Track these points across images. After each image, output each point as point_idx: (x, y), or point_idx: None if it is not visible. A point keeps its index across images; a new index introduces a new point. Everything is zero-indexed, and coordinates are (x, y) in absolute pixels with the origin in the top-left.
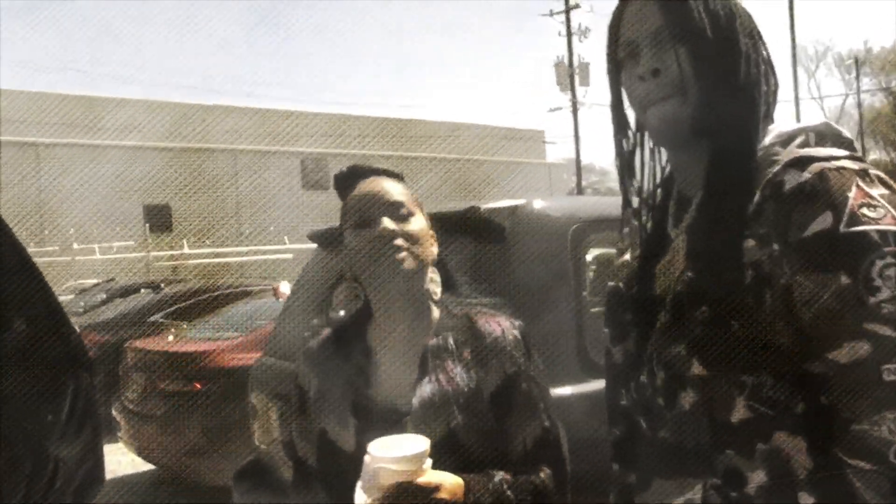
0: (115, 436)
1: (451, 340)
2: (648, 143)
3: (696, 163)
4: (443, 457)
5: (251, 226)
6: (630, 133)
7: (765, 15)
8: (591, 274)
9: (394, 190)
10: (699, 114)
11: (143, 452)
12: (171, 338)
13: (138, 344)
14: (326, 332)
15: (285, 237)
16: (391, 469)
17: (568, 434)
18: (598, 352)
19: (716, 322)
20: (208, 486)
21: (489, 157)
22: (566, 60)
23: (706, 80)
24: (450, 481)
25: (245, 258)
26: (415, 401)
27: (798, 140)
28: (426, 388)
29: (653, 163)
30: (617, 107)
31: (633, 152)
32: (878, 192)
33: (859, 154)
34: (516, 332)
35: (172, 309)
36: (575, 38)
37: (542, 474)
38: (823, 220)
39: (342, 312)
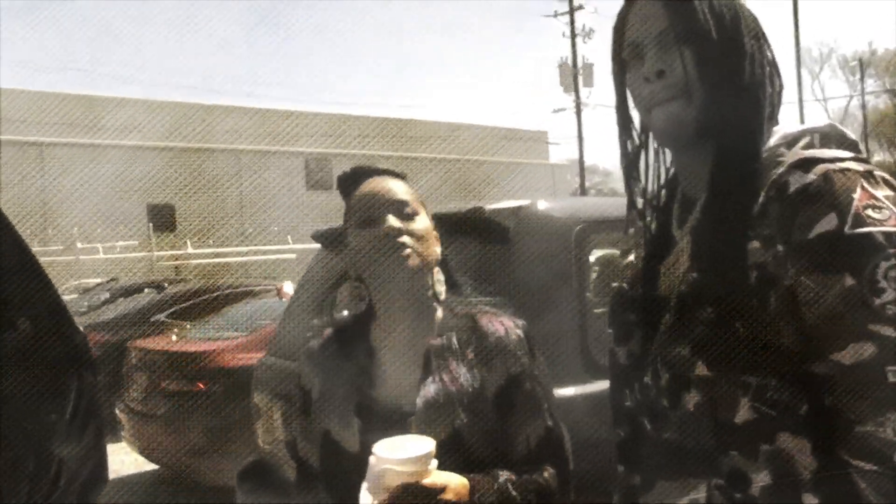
0: (119, 435)
1: (454, 340)
2: (653, 144)
3: (701, 164)
4: (447, 457)
5: (254, 226)
6: (635, 134)
7: (768, 16)
8: (593, 275)
9: (398, 189)
10: (704, 115)
11: (145, 452)
12: (174, 337)
13: (141, 343)
14: (328, 332)
15: (288, 237)
16: (397, 470)
17: (571, 434)
18: (600, 352)
19: (720, 323)
20: (211, 485)
21: (492, 157)
22: (570, 61)
23: (711, 82)
24: (455, 482)
25: (248, 258)
26: (419, 401)
27: (803, 141)
28: (430, 388)
29: (657, 164)
30: (622, 108)
31: (637, 153)
32: (883, 193)
33: (864, 155)
34: (520, 332)
35: (175, 309)
36: (579, 39)
37: (545, 473)
38: (828, 222)
39: (345, 312)
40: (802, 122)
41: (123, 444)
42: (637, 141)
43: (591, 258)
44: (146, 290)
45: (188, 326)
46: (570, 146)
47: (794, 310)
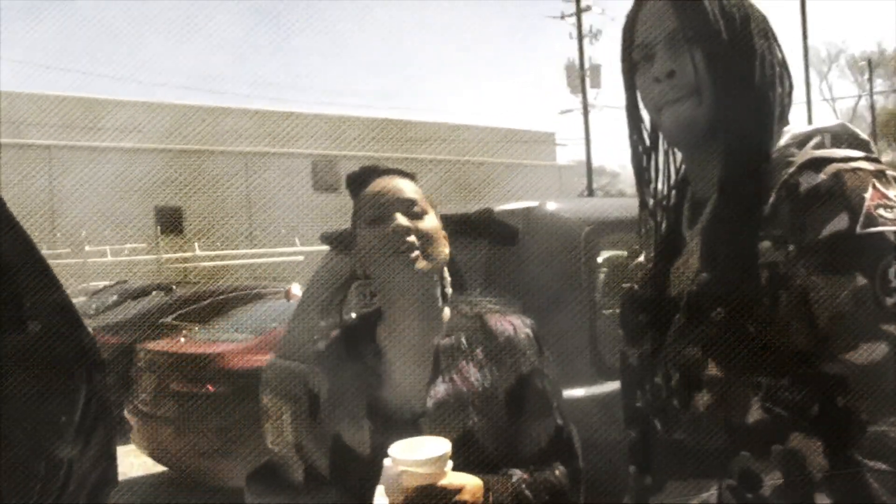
0: (128, 438)
1: (463, 340)
2: (663, 145)
3: (711, 164)
4: (458, 456)
5: (262, 227)
6: (645, 135)
7: (777, 17)
8: (602, 276)
9: (407, 188)
10: (714, 115)
11: (154, 454)
12: (182, 340)
13: (149, 346)
14: (336, 333)
15: (296, 239)
16: (414, 472)
17: (581, 436)
18: (610, 353)
19: (731, 323)
20: (219, 487)
21: (499, 159)
22: (577, 63)
23: (721, 82)
24: (471, 483)
25: (256, 260)
26: (429, 401)
27: (813, 141)
28: (440, 389)
29: (667, 164)
30: (632, 108)
31: (648, 154)
32: (894, 192)
33: (876, 155)
34: (528, 331)
35: (184, 311)
36: (586, 41)
37: (557, 472)
38: (839, 221)
39: (353, 314)
40: (811, 122)
41: (132, 447)
42: (647, 142)
43: (600, 259)
44: (154, 292)
45: (196, 328)
46: (578, 148)
47: (805, 310)
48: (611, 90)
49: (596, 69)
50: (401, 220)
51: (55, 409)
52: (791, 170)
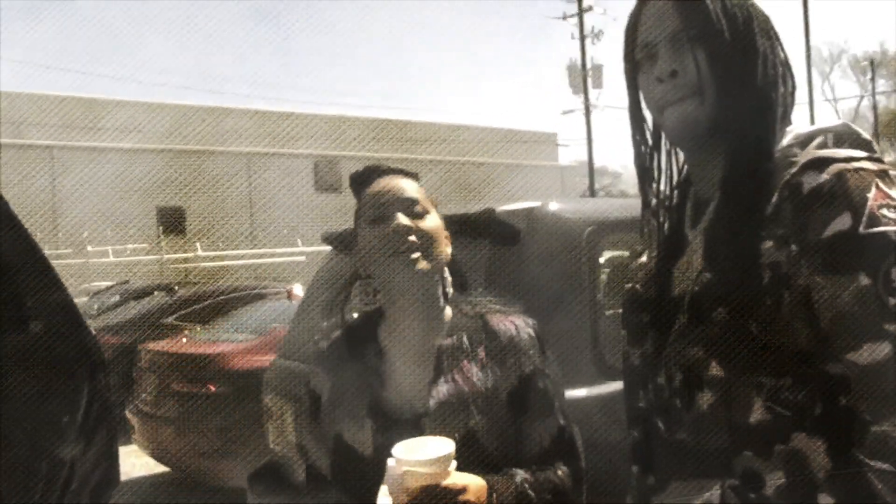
0: (129, 438)
1: (465, 340)
2: (666, 145)
3: (714, 164)
4: (461, 456)
5: (263, 228)
6: (648, 135)
7: (779, 17)
8: (603, 276)
9: (408, 187)
10: (716, 115)
11: (156, 454)
12: (184, 340)
13: (151, 346)
14: (338, 333)
15: (298, 239)
16: (418, 472)
17: (583, 436)
18: (612, 354)
19: (733, 323)
20: (222, 487)
21: (501, 159)
22: (579, 63)
23: (723, 82)
24: (475, 483)
25: (258, 260)
26: (431, 401)
27: (816, 141)
28: (442, 389)
29: (670, 164)
30: (634, 108)
31: (650, 154)
32: None
33: (878, 155)
34: (530, 331)
35: (186, 311)
36: (588, 41)
37: (559, 472)
38: (842, 221)
39: (355, 315)
40: (813, 122)
41: (134, 447)
42: (650, 142)
43: (602, 259)
44: (156, 292)
45: (198, 329)
46: (580, 148)
47: (808, 310)
48: (613, 90)
49: (598, 69)
50: (401, 219)
51: (57, 409)
52: (794, 170)
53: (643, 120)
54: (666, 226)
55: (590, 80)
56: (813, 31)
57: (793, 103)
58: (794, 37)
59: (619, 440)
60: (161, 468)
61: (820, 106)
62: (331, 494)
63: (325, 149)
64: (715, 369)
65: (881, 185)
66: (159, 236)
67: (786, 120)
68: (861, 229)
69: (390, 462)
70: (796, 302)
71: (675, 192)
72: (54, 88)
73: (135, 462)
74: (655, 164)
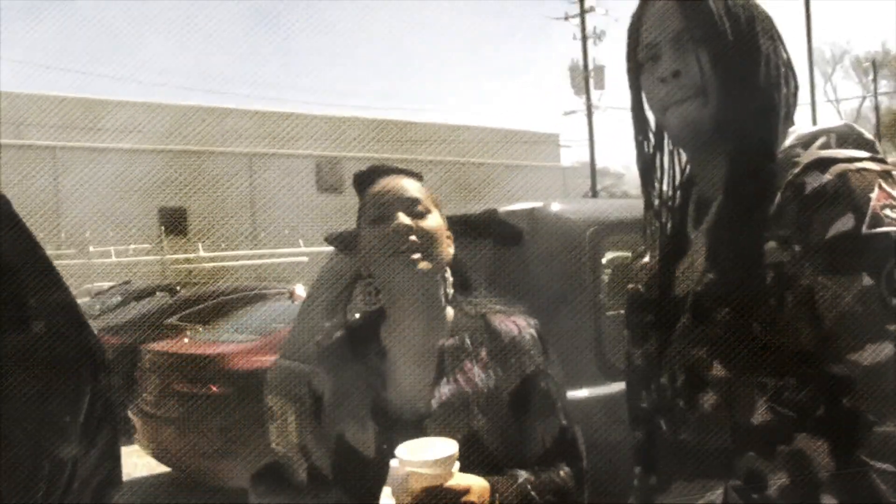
0: (131, 438)
1: (467, 341)
2: (668, 145)
3: (717, 164)
4: (464, 457)
5: (266, 228)
6: (650, 135)
7: (781, 17)
8: (606, 277)
9: (410, 187)
10: (719, 115)
11: (158, 455)
12: (186, 340)
13: (154, 347)
14: (340, 333)
15: (300, 240)
16: (422, 473)
17: (585, 436)
18: (613, 354)
19: (736, 324)
20: (224, 488)
21: (503, 160)
22: (581, 64)
23: (726, 82)
24: (478, 484)
25: (260, 261)
26: (433, 402)
27: (819, 141)
28: (445, 390)
29: (673, 165)
30: (637, 109)
31: (653, 154)
32: None
33: (881, 155)
34: (533, 331)
35: (188, 312)
36: (590, 42)
37: (562, 473)
38: (845, 222)
39: (357, 315)
40: (815, 123)
41: (136, 448)
42: (652, 142)
43: (604, 260)
44: (158, 293)
45: (200, 329)
46: (581, 149)
47: (811, 310)
48: (615, 91)
49: (600, 70)
50: (402, 219)
51: (59, 409)
52: (796, 170)
53: (646, 120)
54: (668, 226)
55: (592, 81)
56: (815, 31)
57: (795, 104)
58: (796, 37)
59: (621, 440)
60: (163, 468)
61: (822, 107)
62: (332, 495)
63: (326, 149)
64: (718, 370)
65: (884, 185)
66: (161, 237)
67: (788, 120)
68: (864, 230)
69: (393, 463)
70: (799, 302)
71: (678, 192)
72: (54, 89)
73: (137, 462)
74: (658, 164)
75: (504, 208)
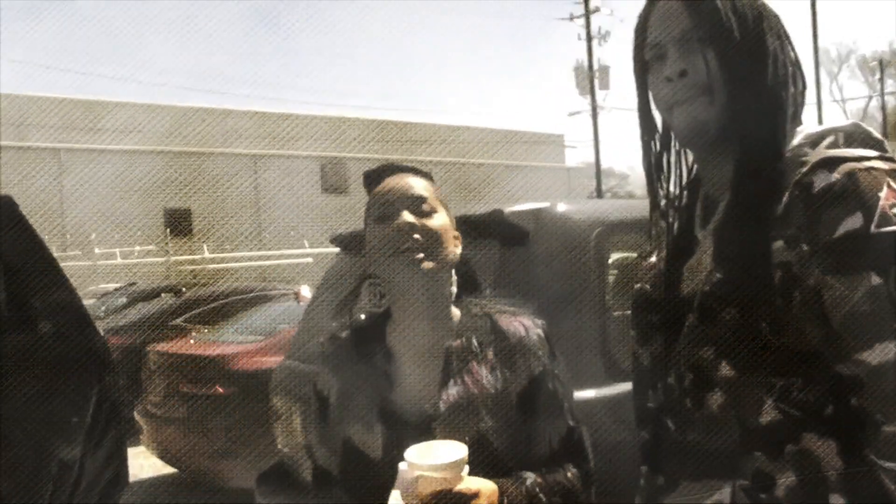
0: (137, 439)
1: (474, 341)
2: (675, 145)
3: (724, 164)
4: (471, 459)
5: (271, 229)
6: (657, 135)
7: (787, 16)
8: (612, 277)
9: (417, 185)
10: (726, 115)
11: (164, 456)
12: (192, 341)
13: (159, 348)
14: (345, 334)
15: (305, 241)
16: (431, 476)
17: (592, 437)
18: (620, 355)
19: (744, 323)
20: (230, 488)
21: (507, 161)
22: (585, 64)
23: (733, 81)
24: (487, 488)
25: (265, 262)
26: (441, 404)
27: (827, 141)
28: (452, 391)
29: (679, 164)
30: (644, 108)
31: (660, 154)
32: None
33: (890, 154)
34: (540, 332)
35: (193, 313)
36: (594, 42)
37: (569, 474)
38: (853, 221)
39: (363, 316)
40: (821, 123)
41: (142, 448)
42: (659, 142)
43: (610, 261)
44: (163, 294)
45: (206, 330)
46: (586, 149)
47: (819, 309)
48: (619, 92)
49: (605, 71)
50: (406, 217)
51: (66, 410)
52: (804, 169)
53: (652, 120)
54: (675, 226)
55: (597, 82)
56: (821, 31)
57: (803, 103)
58: (802, 37)
59: (627, 441)
60: (169, 469)
61: (828, 106)
62: (338, 496)
63: (327, 150)
64: (725, 369)
65: (892, 184)
66: (166, 238)
67: (796, 120)
68: (872, 228)
69: (402, 466)
70: (807, 302)
71: (685, 192)
72: (54, 89)
73: (143, 463)
74: (665, 164)
75: (510, 209)
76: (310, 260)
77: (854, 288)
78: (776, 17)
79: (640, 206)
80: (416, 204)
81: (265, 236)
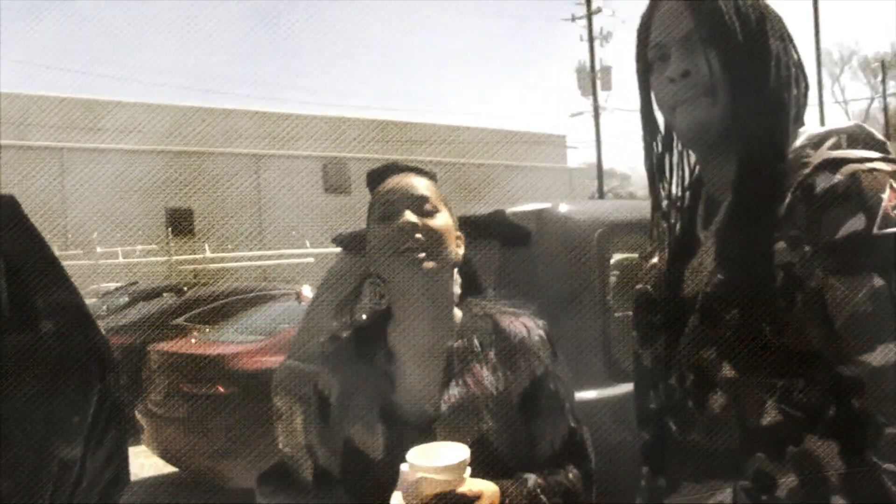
0: (138, 438)
1: (476, 342)
2: (677, 146)
3: (726, 165)
4: (473, 460)
5: (273, 229)
6: (659, 135)
7: (789, 18)
8: (613, 278)
9: (419, 185)
10: (729, 116)
11: (165, 455)
12: (193, 341)
13: (161, 347)
14: (346, 334)
15: (307, 241)
16: (434, 478)
17: (593, 438)
18: (621, 356)
19: (746, 324)
20: (231, 488)
21: (509, 161)
22: (587, 65)
23: (736, 82)
24: (489, 489)
25: (266, 262)
26: (443, 405)
27: (829, 142)
28: (454, 392)
29: (682, 165)
30: (646, 109)
31: (662, 155)
32: None
33: (893, 156)
34: (541, 332)
35: (195, 312)
36: (596, 43)
37: (570, 475)
38: (856, 222)
39: (364, 316)
40: (823, 124)
41: (143, 448)
42: (661, 143)
43: (612, 261)
44: (165, 293)
45: (207, 330)
46: (588, 150)
47: (821, 311)
48: (621, 92)
49: (607, 71)
50: (408, 216)
51: (67, 409)
52: (807, 170)
53: (655, 121)
54: (677, 227)
55: (599, 83)
56: (823, 32)
57: (805, 104)
58: (804, 38)
59: (629, 442)
60: (170, 469)
61: (830, 108)
62: (339, 496)
63: (328, 150)
64: (727, 370)
65: (895, 185)
66: (168, 237)
67: (799, 121)
68: (875, 230)
69: (404, 467)
70: (809, 303)
71: (687, 192)
72: (54, 89)
73: (144, 462)
74: (667, 165)
75: (511, 209)
76: (311, 260)
77: (856, 289)
78: (779, 18)
79: (641, 207)
80: (419, 204)
81: (267, 236)
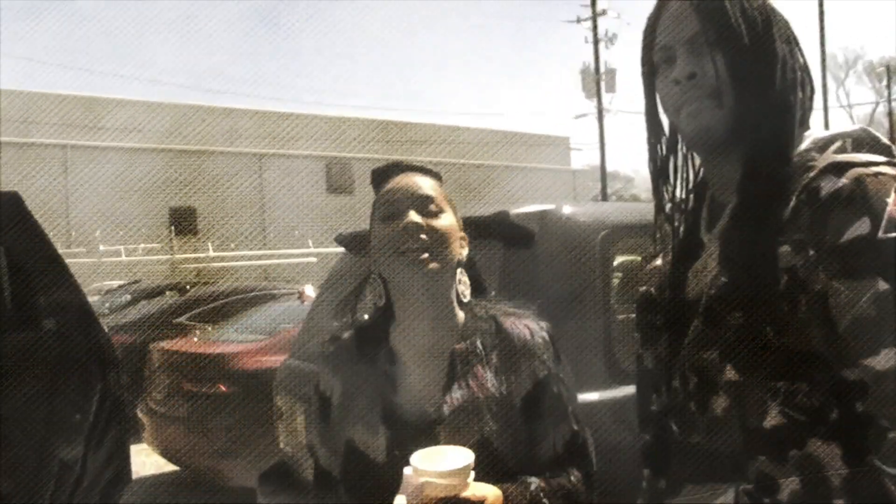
0: (139, 437)
1: (479, 344)
2: (682, 148)
3: (731, 168)
4: (476, 463)
5: (276, 229)
6: (664, 138)
7: (794, 22)
8: (616, 280)
9: (424, 185)
10: (734, 118)
11: (166, 454)
12: (195, 340)
13: (163, 346)
14: (347, 334)
15: (309, 241)
16: (437, 483)
17: (595, 440)
18: (624, 358)
19: (749, 327)
20: (232, 487)
21: (513, 162)
22: (592, 67)
23: (742, 85)
24: (493, 494)
25: (269, 261)
26: (445, 408)
27: (835, 146)
28: (457, 395)
29: (686, 167)
30: (651, 111)
31: (666, 157)
32: None
33: None
34: (544, 334)
35: (197, 311)
36: (601, 45)
37: (572, 478)
38: (861, 226)
39: (366, 316)
40: (827, 128)
41: (144, 446)
42: (666, 145)
43: (615, 264)
44: (167, 292)
45: (210, 329)
46: (592, 152)
47: (825, 314)
48: (626, 95)
49: (611, 73)
50: (412, 217)
51: (69, 407)
52: (812, 174)
53: (659, 123)
54: (681, 229)
55: (603, 85)
56: (828, 36)
57: (811, 108)
58: (809, 42)
59: (630, 444)
60: (171, 467)
61: (835, 112)
62: (340, 497)
63: (329, 150)
64: (730, 373)
65: None
66: (171, 236)
67: (804, 124)
68: (880, 234)
69: (407, 471)
70: (813, 306)
71: (691, 195)
72: (56, 87)
73: (145, 461)
74: (671, 167)
75: (515, 211)
76: (313, 260)
77: (860, 293)
78: (785, 21)
79: (645, 210)
80: (423, 204)
81: (269, 236)
